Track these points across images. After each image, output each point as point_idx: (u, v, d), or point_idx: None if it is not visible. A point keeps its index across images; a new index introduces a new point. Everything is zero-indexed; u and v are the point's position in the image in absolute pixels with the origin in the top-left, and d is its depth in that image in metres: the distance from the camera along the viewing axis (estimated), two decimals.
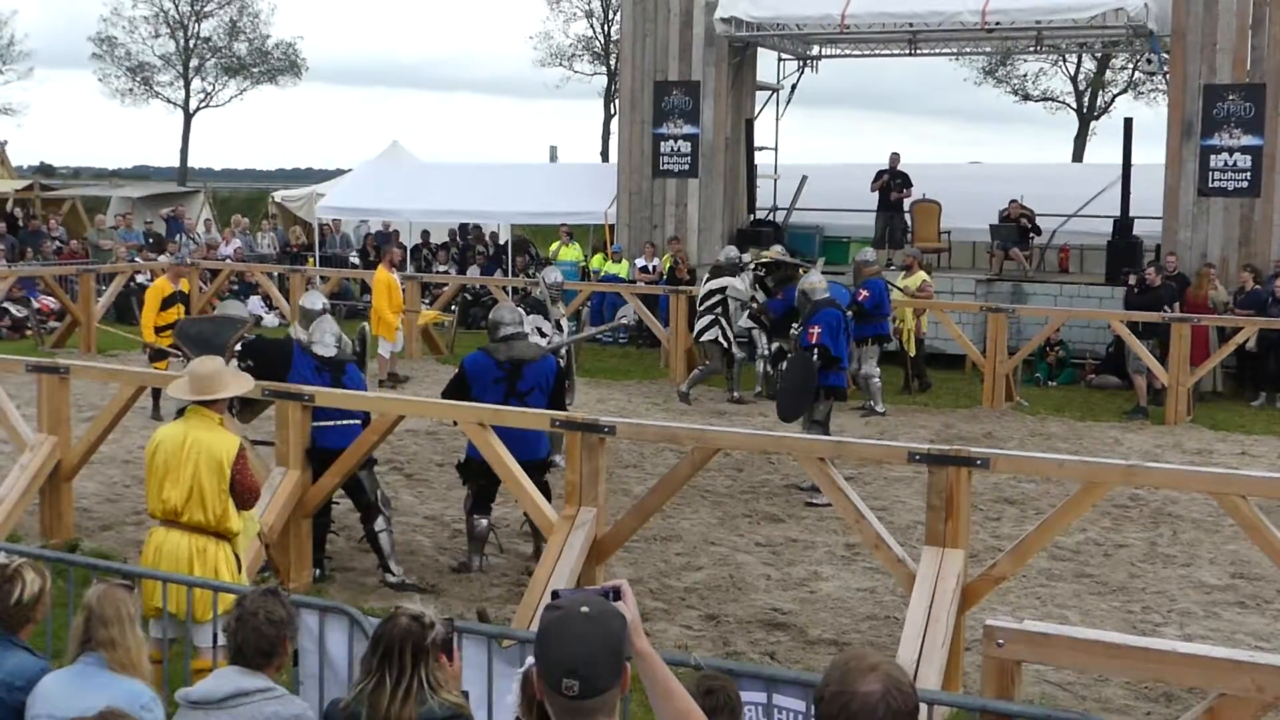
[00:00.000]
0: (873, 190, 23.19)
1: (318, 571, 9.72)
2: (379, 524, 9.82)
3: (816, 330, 12.56)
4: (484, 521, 10.15)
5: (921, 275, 19.28)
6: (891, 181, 23.00)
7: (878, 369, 16.82)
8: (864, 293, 16.52)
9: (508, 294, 22.74)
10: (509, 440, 9.13)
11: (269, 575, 9.12)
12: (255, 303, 25.39)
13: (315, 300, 11.12)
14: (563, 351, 12.90)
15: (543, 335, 13.04)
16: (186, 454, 7.10)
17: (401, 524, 10.99)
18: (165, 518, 7.17)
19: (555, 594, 3.13)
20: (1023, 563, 8.15)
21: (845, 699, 2.96)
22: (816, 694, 3.06)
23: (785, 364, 13.95)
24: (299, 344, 10.21)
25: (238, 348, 10.19)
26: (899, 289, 18.56)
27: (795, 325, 13.90)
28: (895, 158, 23.23)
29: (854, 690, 2.97)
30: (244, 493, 7.23)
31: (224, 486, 7.11)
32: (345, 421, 9.64)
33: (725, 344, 17.42)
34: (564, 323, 13.93)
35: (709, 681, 4.22)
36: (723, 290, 17.30)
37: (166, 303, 15.45)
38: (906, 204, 23.14)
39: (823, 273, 19.16)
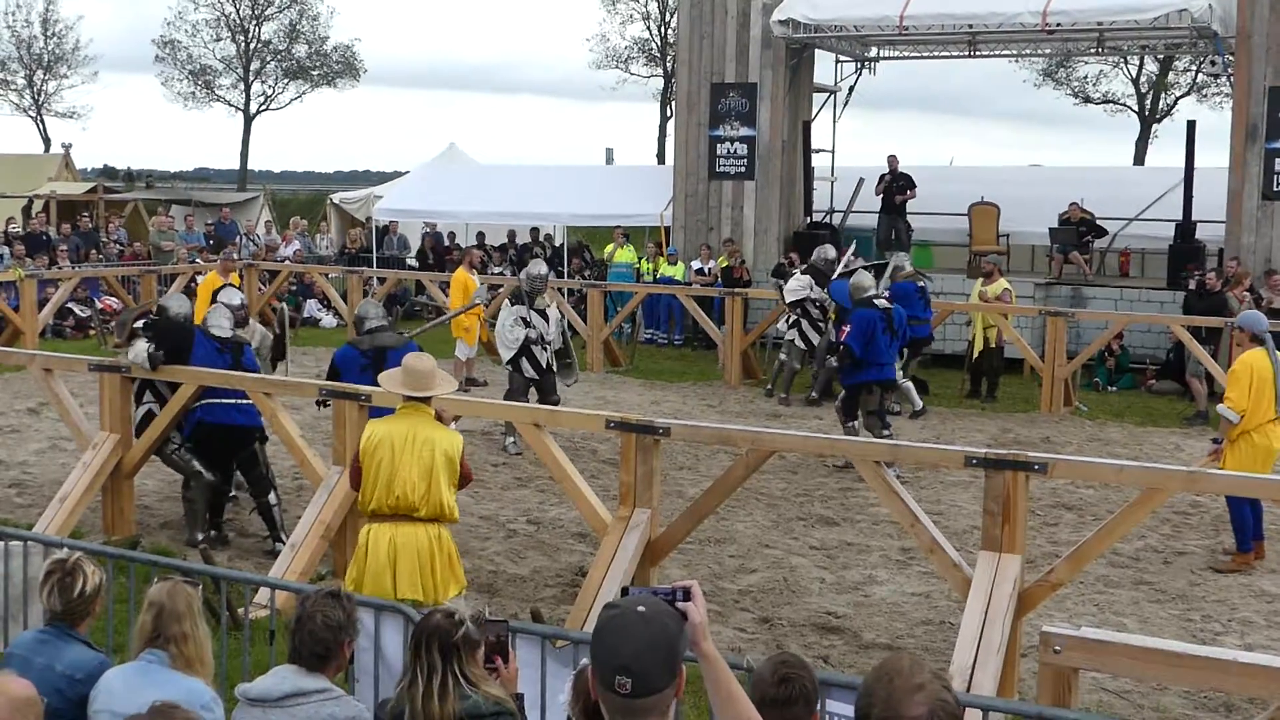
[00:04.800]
0: (876, 194, 23.20)
1: (212, 533, 10.52)
2: (271, 498, 10.53)
3: (846, 330, 13.17)
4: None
5: (1003, 283, 18.96)
6: (893, 184, 22.93)
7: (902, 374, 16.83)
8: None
9: (563, 295, 22.88)
10: (234, 409, 10.33)
11: (328, 574, 9.19)
12: (312, 305, 25.65)
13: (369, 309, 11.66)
14: (547, 336, 14.17)
15: (527, 325, 14.14)
16: (420, 449, 7.21)
17: (458, 525, 11.01)
18: (397, 512, 7.25)
19: (625, 590, 3.16)
20: (1080, 569, 8.09)
21: None
22: (861, 709, 3.03)
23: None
24: (200, 327, 10.82)
25: (139, 324, 10.77)
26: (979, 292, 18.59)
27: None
28: (894, 160, 23.18)
29: (900, 714, 2.95)
30: (464, 480, 7.58)
31: (454, 479, 7.34)
32: (244, 401, 10.33)
33: (803, 345, 17.49)
34: (550, 313, 14.51)
35: (785, 669, 4.01)
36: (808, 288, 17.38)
37: (215, 296, 15.69)
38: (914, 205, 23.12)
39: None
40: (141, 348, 10.30)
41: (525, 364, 14.21)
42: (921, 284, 17.33)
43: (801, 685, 3.99)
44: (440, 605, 4.52)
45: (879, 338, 13.28)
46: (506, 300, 15.11)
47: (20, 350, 15.34)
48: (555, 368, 14.52)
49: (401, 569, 7.16)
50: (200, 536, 10.37)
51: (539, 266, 15.07)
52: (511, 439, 14.31)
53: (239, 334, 11.13)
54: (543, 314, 14.34)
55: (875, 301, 13.59)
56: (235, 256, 19.10)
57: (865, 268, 17.74)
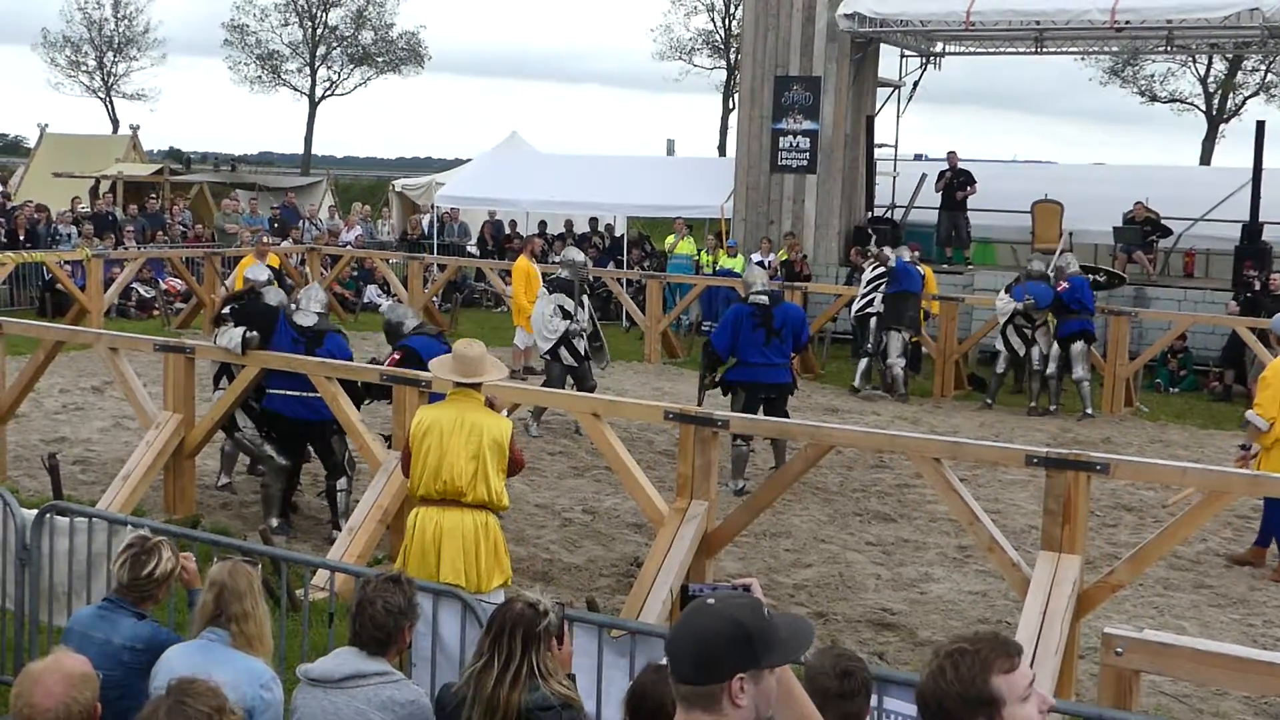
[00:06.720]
0: (936, 190, 23.13)
1: (274, 522, 10.46)
2: (341, 483, 10.57)
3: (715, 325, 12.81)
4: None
5: None
6: (954, 180, 22.78)
7: (1089, 371, 16.77)
8: (1064, 284, 16.76)
9: (622, 285, 22.88)
10: (299, 402, 10.26)
11: (385, 558, 9.25)
12: (372, 290, 25.82)
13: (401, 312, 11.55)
14: (585, 326, 14.42)
15: (566, 315, 14.24)
16: (468, 434, 7.21)
17: (514, 513, 11.07)
18: (444, 496, 7.25)
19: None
20: (1140, 571, 8.01)
21: None
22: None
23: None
24: (284, 312, 10.73)
25: (226, 310, 10.82)
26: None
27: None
28: (954, 156, 23.08)
29: None
30: (515, 467, 7.53)
31: (503, 465, 7.30)
32: (313, 395, 10.19)
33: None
34: (586, 299, 14.75)
35: (846, 662, 4.05)
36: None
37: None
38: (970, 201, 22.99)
39: (937, 272, 19.07)
40: (237, 333, 10.24)
41: (564, 353, 14.30)
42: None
43: (863, 677, 4.03)
44: (522, 593, 4.50)
45: (746, 334, 12.51)
46: (544, 289, 15.05)
47: (87, 329, 15.53)
48: (590, 354, 14.62)
49: (445, 553, 7.14)
50: (275, 523, 10.39)
51: (577, 253, 15.26)
52: (534, 423, 14.45)
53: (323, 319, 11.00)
54: (580, 301, 14.46)
55: (753, 298, 12.72)
56: (264, 239, 19.30)
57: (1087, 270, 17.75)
